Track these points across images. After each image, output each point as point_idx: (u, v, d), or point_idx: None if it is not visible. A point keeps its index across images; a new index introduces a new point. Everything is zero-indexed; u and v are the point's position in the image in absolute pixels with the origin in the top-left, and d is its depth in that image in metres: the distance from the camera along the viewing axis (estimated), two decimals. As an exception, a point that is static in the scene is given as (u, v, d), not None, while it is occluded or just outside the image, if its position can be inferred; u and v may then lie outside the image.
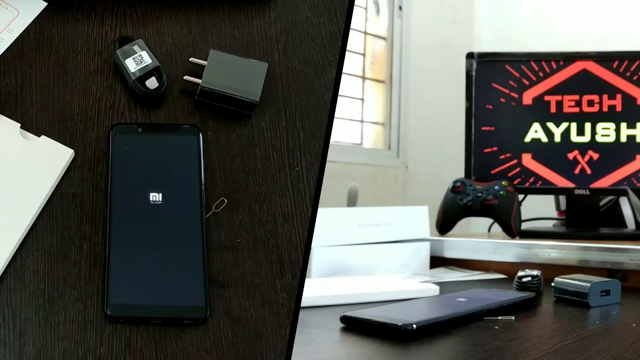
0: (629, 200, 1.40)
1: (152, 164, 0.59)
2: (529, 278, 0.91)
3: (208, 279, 0.56)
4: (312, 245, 0.60)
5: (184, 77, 0.63)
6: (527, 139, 1.42)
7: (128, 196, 0.58)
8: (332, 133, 0.64)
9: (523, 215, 1.35)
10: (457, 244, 1.25)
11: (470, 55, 1.45)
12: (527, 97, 1.42)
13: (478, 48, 2.53)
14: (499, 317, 0.75)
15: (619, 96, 1.40)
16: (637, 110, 1.39)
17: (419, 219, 1.20)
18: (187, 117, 0.62)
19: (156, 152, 0.60)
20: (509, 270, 1.14)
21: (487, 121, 1.43)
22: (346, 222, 1.10)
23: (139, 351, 0.53)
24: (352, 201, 1.65)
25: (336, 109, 0.65)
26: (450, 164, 1.75)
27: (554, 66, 1.42)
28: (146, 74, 0.61)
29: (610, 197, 1.48)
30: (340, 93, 0.66)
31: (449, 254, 1.24)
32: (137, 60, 0.61)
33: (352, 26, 0.68)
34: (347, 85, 2.64)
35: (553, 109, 1.42)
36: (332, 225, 1.07)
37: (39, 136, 0.59)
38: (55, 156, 0.58)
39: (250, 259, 0.58)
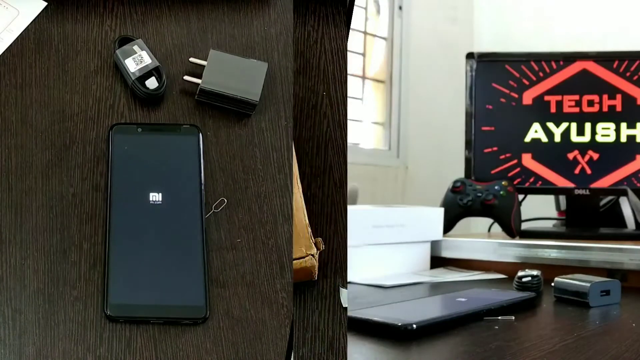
0: (629, 200, 1.40)
1: (152, 164, 0.59)
2: (529, 278, 0.91)
3: (208, 279, 0.56)
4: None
5: (184, 77, 0.63)
6: (527, 139, 1.42)
7: (128, 196, 0.58)
8: (332, 133, 0.64)
9: (523, 215, 1.35)
10: (457, 244, 1.24)
11: (470, 55, 1.45)
12: (527, 97, 1.42)
13: (478, 48, 2.53)
14: (499, 317, 0.75)
15: (619, 96, 1.40)
16: (637, 110, 1.39)
17: (434, 221, 1.20)
18: (187, 117, 0.62)
19: (156, 152, 0.60)
20: (509, 270, 1.14)
21: (487, 121, 1.43)
22: (360, 222, 1.08)
23: (139, 351, 0.53)
24: (351, 201, 1.65)
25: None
26: (450, 164, 1.75)
27: (554, 66, 1.42)
28: (146, 74, 0.61)
29: (610, 197, 1.48)
30: (340, 93, 0.66)
31: (449, 254, 1.24)
32: (137, 60, 0.61)
33: (352, 26, 0.68)
34: (347, 85, 2.64)
35: (553, 109, 1.42)
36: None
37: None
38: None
39: (250, 259, 0.58)
